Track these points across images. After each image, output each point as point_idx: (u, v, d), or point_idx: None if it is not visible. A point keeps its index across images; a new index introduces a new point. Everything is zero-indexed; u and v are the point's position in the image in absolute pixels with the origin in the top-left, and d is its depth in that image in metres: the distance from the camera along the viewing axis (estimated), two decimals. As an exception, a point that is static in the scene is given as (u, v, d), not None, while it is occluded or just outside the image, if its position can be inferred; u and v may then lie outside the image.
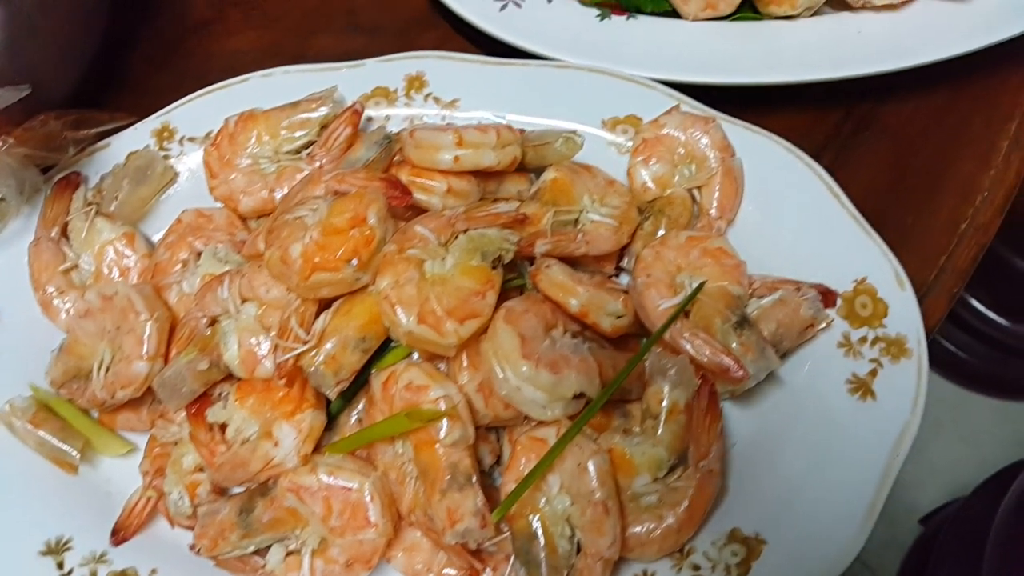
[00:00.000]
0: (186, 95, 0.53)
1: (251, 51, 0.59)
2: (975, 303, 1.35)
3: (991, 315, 1.37)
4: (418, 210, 0.44)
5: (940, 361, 1.44)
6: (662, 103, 0.49)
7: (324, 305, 0.40)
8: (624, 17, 0.54)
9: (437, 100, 0.51)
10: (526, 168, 0.48)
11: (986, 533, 0.92)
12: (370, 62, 0.52)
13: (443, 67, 0.52)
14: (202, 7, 0.62)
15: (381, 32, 0.59)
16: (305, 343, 0.39)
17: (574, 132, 0.47)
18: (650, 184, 0.47)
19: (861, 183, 0.49)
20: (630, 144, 0.48)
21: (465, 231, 0.40)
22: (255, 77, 0.53)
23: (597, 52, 0.52)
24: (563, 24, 0.54)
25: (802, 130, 0.52)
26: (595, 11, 0.54)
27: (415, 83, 0.52)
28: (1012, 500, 0.94)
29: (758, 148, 0.47)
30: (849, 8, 0.52)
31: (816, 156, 0.50)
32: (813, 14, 0.52)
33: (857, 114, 0.52)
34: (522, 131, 0.48)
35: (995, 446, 1.47)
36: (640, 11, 0.54)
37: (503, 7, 0.54)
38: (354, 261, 0.38)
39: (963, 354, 1.44)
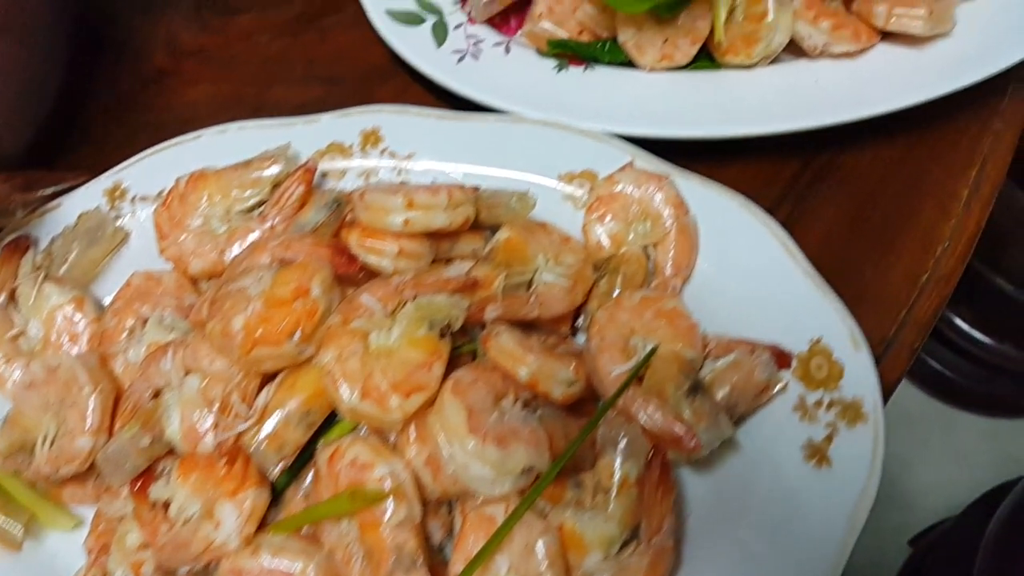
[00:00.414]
0: (143, 148, 0.53)
1: (208, 102, 0.59)
2: (959, 322, 1.35)
3: (975, 334, 1.37)
4: (369, 271, 0.44)
5: (926, 380, 1.44)
6: (617, 158, 0.48)
7: (269, 377, 0.40)
8: (581, 68, 0.53)
9: (393, 155, 0.51)
10: (481, 226, 0.47)
11: (975, 554, 0.91)
12: (325, 117, 0.52)
13: (399, 121, 0.51)
14: (160, 57, 0.61)
15: (340, 82, 0.59)
16: (248, 419, 0.38)
17: (527, 192, 0.47)
18: (605, 242, 0.46)
19: (819, 235, 0.49)
20: (586, 198, 0.48)
21: (414, 298, 0.40)
22: (208, 134, 0.52)
23: (554, 104, 0.51)
24: (520, 75, 0.53)
25: (760, 180, 0.51)
26: (553, 62, 0.54)
27: (371, 138, 0.51)
28: (1000, 521, 0.94)
29: (712, 203, 0.46)
30: (806, 56, 0.51)
31: (774, 207, 0.50)
32: (771, 62, 0.52)
33: (815, 164, 0.51)
34: (476, 188, 0.47)
35: (983, 464, 1.47)
36: (598, 61, 0.54)
37: (460, 59, 0.54)
38: (297, 335, 0.38)
39: (949, 372, 1.45)
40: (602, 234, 0.46)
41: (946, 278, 0.48)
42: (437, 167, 0.50)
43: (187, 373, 0.41)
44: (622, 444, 0.38)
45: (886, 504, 1.42)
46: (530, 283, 0.44)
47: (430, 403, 0.37)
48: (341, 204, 0.45)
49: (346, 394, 0.36)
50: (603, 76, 0.53)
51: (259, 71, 0.60)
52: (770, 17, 0.50)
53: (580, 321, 0.46)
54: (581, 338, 0.46)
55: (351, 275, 0.41)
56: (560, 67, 0.53)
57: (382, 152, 0.51)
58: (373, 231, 0.44)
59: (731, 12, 0.51)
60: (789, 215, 0.50)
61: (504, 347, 0.39)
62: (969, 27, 0.50)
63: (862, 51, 0.51)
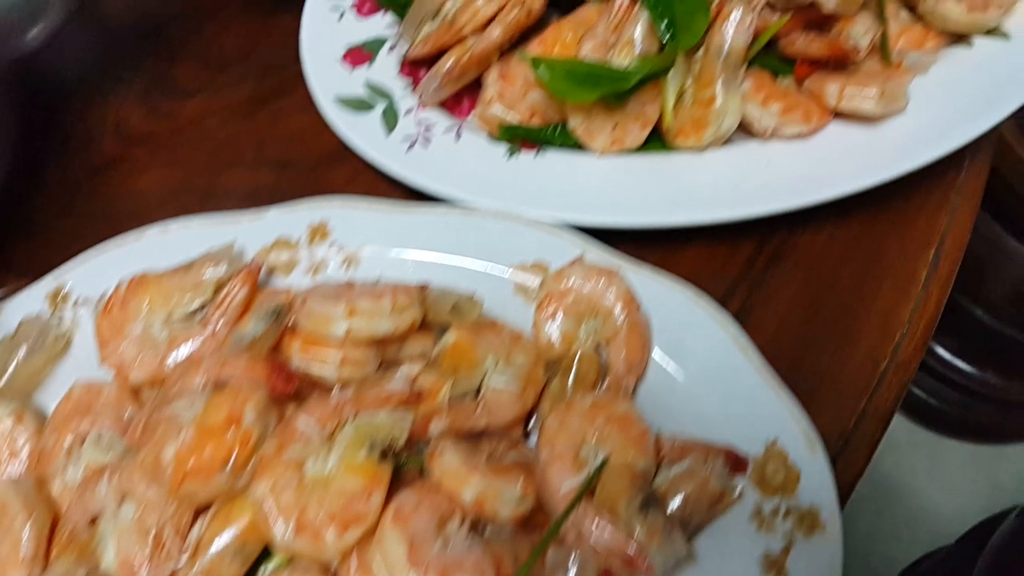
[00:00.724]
0: (90, 241, 0.51)
1: (157, 190, 0.58)
2: (942, 351, 1.35)
3: (958, 363, 1.38)
4: (312, 380, 0.43)
5: (911, 407, 1.44)
6: (568, 250, 0.47)
7: (205, 506, 0.38)
8: (533, 153, 0.53)
9: (341, 249, 0.50)
10: (429, 325, 0.46)
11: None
12: (272, 211, 0.51)
13: (346, 215, 0.50)
14: (109, 144, 0.60)
15: (291, 167, 0.58)
16: (181, 553, 0.36)
17: (474, 295, 0.46)
18: (556, 341, 0.45)
19: (775, 322, 0.48)
20: (537, 290, 0.47)
21: (354, 416, 0.38)
22: (152, 232, 0.51)
23: (505, 193, 0.50)
24: (471, 162, 0.52)
25: (714, 264, 0.51)
26: (504, 147, 0.53)
27: (318, 232, 0.50)
28: (992, 552, 0.93)
29: (664, 297, 0.45)
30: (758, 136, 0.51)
31: (729, 293, 0.49)
32: (724, 143, 0.51)
33: (770, 245, 0.51)
34: (425, 287, 0.46)
35: (971, 492, 1.47)
36: (549, 143, 0.53)
37: (410, 146, 0.53)
38: (229, 466, 0.36)
39: (933, 400, 1.45)
40: (553, 332, 0.45)
41: (905, 364, 0.47)
42: (386, 261, 0.49)
43: (123, 499, 0.39)
44: (572, 571, 0.36)
45: (875, 536, 1.41)
46: (479, 389, 0.43)
47: (370, 534, 0.36)
48: (281, 313, 0.44)
49: (280, 530, 0.35)
50: (554, 161, 0.52)
51: (209, 157, 0.59)
52: (718, 102, 0.49)
53: (533, 422, 0.44)
54: (535, 438, 0.45)
55: (290, 393, 0.40)
56: (511, 152, 0.53)
57: (330, 246, 0.50)
58: (315, 339, 0.43)
59: (680, 96, 0.50)
60: (744, 302, 0.49)
61: (448, 467, 0.38)
62: (923, 103, 0.50)
63: (815, 131, 0.50)
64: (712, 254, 0.51)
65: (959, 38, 0.53)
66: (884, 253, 0.50)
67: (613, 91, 0.48)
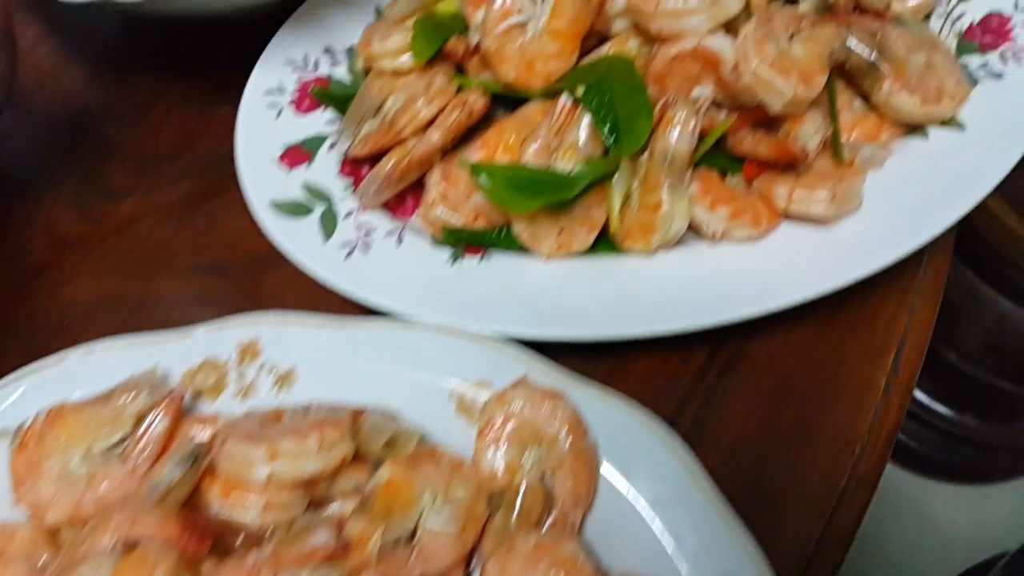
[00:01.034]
0: (16, 356, 0.48)
1: (86, 301, 0.55)
2: (919, 394, 1.35)
3: (935, 406, 1.38)
4: (232, 527, 0.40)
5: (893, 450, 1.42)
6: (512, 367, 0.45)
7: None
8: (477, 258, 0.50)
9: (271, 370, 0.47)
10: (364, 457, 0.43)
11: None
12: (199, 330, 0.48)
13: (278, 332, 0.48)
14: (38, 249, 0.57)
15: (226, 272, 0.55)
16: None
17: (409, 427, 0.43)
18: (499, 470, 0.42)
19: (730, 437, 0.46)
20: (480, 409, 0.44)
21: None
22: (74, 355, 0.48)
23: (447, 303, 0.48)
24: (412, 270, 0.50)
25: (667, 373, 0.48)
26: (447, 252, 0.51)
27: (248, 352, 0.47)
28: None
29: (613, 421, 0.43)
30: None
31: (681, 406, 0.48)
32: (675, 244, 0.49)
33: (723, 353, 0.49)
34: (360, 413, 0.44)
35: (954, 533, 1.46)
36: (495, 247, 0.51)
37: (349, 253, 0.51)
38: (133, 647, 0.33)
39: (912, 443, 1.45)
40: (495, 461, 0.43)
41: (865, 481, 0.45)
42: (320, 381, 0.46)
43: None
44: None
45: (858, 580, 1.39)
46: (415, 531, 0.40)
47: None
48: (199, 457, 0.41)
49: None
50: (499, 267, 0.50)
51: (142, 262, 0.56)
52: (665, 207, 0.47)
53: (474, 562, 0.42)
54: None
55: (204, 553, 0.37)
56: (455, 257, 0.50)
57: (260, 367, 0.47)
58: (236, 483, 0.40)
59: (626, 199, 0.49)
60: (698, 414, 0.47)
61: (375, 631, 0.35)
62: (879, 199, 0.48)
63: (765, 234, 0.48)
64: (664, 363, 0.49)
65: (914, 128, 0.51)
66: (841, 360, 0.48)
67: (556, 200, 0.46)
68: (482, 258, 0.50)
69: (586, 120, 0.48)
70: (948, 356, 1.25)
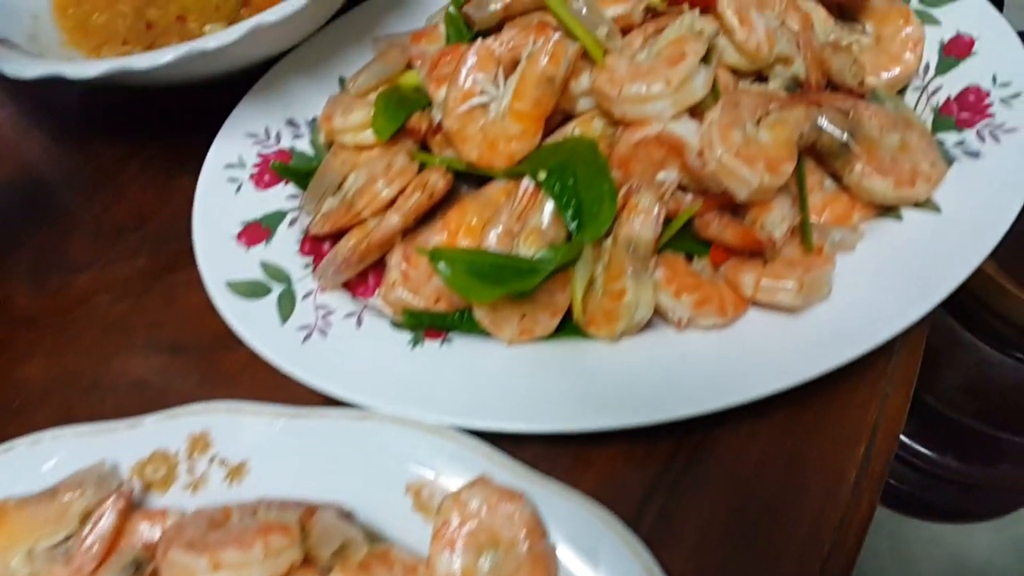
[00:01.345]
0: None
1: (40, 381, 0.53)
2: (901, 436, 1.33)
3: (917, 447, 1.38)
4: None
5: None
6: (471, 463, 0.44)
7: None
8: (438, 342, 0.49)
9: (223, 463, 0.45)
10: (315, 561, 0.42)
11: None
12: (149, 420, 0.46)
13: (230, 422, 0.46)
14: (-6, 327, 0.56)
15: (183, 351, 0.54)
16: None
17: (360, 535, 0.41)
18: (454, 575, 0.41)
19: (695, 533, 0.45)
20: (436, 506, 0.43)
21: None
22: (21, 445, 0.46)
23: (406, 394, 0.46)
24: (371, 355, 0.49)
25: (632, 464, 0.47)
26: (408, 335, 0.50)
27: (199, 443, 0.46)
28: None
29: (572, 523, 0.42)
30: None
31: (646, 498, 0.46)
32: (640, 329, 0.48)
33: (689, 443, 0.47)
34: (312, 512, 0.42)
35: (934, 570, 1.47)
36: (456, 330, 0.50)
37: (306, 337, 0.49)
38: None
39: (894, 481, 1.44)
40: (450, 566, 0.41)
41: (835, 580, 0.44)
42: (272, 475, 0.45)
43: None
44: None
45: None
46: (363, 645, 0.39)
47: None
48: (143, 564, 0.39)
49: None
50: (460, 352, 0.49)
51: (98, 340, 0.55)
52: (629, 295, 0.46)
53: (427, 673, 0.40)
54: None
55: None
56: (415, 341, 0.49)
57: (211, 460, 0.46)
58: (179, 595, 0.38)
59: (590, 285, 0.48)
60: (663, 508, 0.45)
61: None
62: (851, 285, 0.47)
63: (731, 322, 0.47)
64: (629, 451, 0.47)
65: (888, 209, 0.50)
66: (810, 452, 0.47)
67: (517, 290, 0.45)
68: (443, 342, 0.49)
69: (549, 205, 0.47)
70: (923, 397, 1.25)
